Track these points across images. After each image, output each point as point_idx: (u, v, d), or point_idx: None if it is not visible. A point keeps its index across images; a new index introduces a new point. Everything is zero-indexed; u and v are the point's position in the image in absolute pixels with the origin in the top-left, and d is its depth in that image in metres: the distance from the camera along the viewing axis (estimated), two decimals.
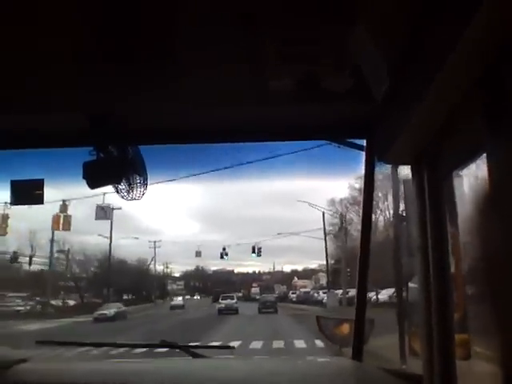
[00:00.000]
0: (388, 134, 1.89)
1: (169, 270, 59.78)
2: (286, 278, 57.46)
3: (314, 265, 53.69)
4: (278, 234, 45.28)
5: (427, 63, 1.34)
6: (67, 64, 1.83)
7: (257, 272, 63.88)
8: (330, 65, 1.66)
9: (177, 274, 62.88)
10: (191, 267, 62.92)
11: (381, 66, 1.65)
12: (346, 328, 3.35)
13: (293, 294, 50.15)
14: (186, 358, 2.87)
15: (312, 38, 1.62)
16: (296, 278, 56.78)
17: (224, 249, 44.22)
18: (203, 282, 62.18)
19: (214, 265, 60.99)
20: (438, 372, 1.82)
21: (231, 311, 31.39)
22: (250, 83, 1.92)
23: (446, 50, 1.18)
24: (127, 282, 44.73)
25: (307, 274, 55.16)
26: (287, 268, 61.11)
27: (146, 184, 2.41)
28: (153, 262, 50.01)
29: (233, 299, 35.48)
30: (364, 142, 2.43)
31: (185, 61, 1.84)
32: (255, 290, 55.44)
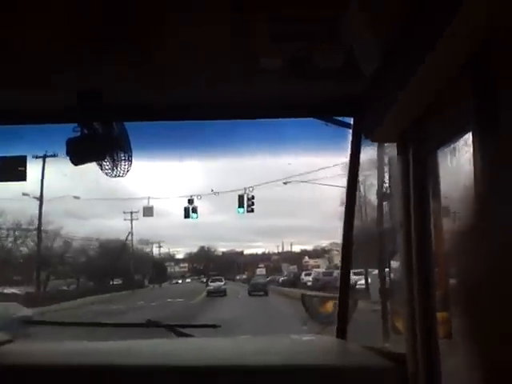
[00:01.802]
0: (375, 113, 1.90)
1: (171, 252, 56.32)
2: (296, 258, 50.56)
3: (324, 244, 47.48)
4: (285, 182, 28.50)
5: (417, 45, 1.35)
6: (53, 42, 1.80)
7: (266, 252, 58.38)
8: (322, 44, 1.65)
9: (180, 256, 59.01)
10: (196, 249, 59.05)
11: (372, 46, 1.65)
12: (330, 306, 3.38)
13: (307, 275, 35.57)
14: (172, 338, 2.88)
15: (304, 17, 1.61)
16: (307, 258, 50.01)
17: (191, 201, 26.30)
18: (209, 264, 57.42)
19: (222, 246, 58.14)
20: (420, 350, 1.85)
21: (220, 293, 31.32)
22: (240, 61, 1.91)
23: (435, 33, 1.19)
24: (118, 266, 41.02)
25: (318, 253, 49.34)
26: (296, 248, 55.18)
27: (131, 161, 2.39)
28: (130, 238, 43.29)
29: (221, 281, 35.35)
30: (351, 121, 2.43)
31: (172, 38, 1.82)
32: (261, 271, 49.23)
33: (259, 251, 59.46)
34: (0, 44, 1.76)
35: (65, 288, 35.09)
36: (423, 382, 1.86)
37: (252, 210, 23.68)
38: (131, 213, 41.71)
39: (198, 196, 26.58)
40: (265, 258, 56.68)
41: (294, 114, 2.46)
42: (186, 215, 26.73)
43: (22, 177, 2.69)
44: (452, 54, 1.22)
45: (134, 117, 2.38)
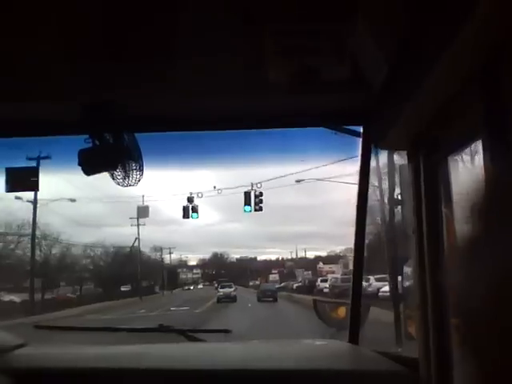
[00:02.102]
0: (385, 121, 1.90)
1: (184, 258, 55.92)
2: (310, 264, 49.54)
3: (338, 249, 46.29)
4: (298, 180, 24.41)
5: (425, 53, 1.35)
6: (63, 53, 1.82)
7: (279, 259, 57.80)
8: (329, 56, 1.66)
9: (194, 262, 58.71)
10: (209, 255, 58.99)
11: (379, 56, 1.66)
12: (342, 311, 3.37)
13: (323, 281, 33.01)
14: (183, 342, 2.89)
15: (311, 30, 1.62)
16: (321, 264, 48.20)
17: (190, 199, 22.52)
18: (222, 270, 56.86)
19: (235, 253, 57.94)
20: (433, 355, 1.85)
21: (229, 299, 31.13)
22: (248, 73, 1.92)
23: (445, 40, 1.19)
24: (126, 272, 40.59)
25: (332, 259, 47.74)
26: (310, 254, 54.59)
27: (142, 170, 2.41)
28: (136, 244, 41.84)
29: (231, 287, 34.95)
30: (361, 129, 2.44)
31: (182, 50, 1.84)
32: (274, 277, 48.07)
33: (273, 257, 58.81)
34: (12, 56, 1.79)
35: (69, 295, 34.53)
36: None
37: (260, 209, 20.11)
38: (137, 219, 39.37)
39: (198, 194, 22.78)
40: (278, 264, 55.81)
41: (304, 124, 2.47)
42: (185, 215, 22.76)
43: (34, 187, 2.72)
44: (461, 62, 1.22)
45: (144, 127, 2.40)
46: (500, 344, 0.51)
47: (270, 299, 30.27)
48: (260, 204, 20.10)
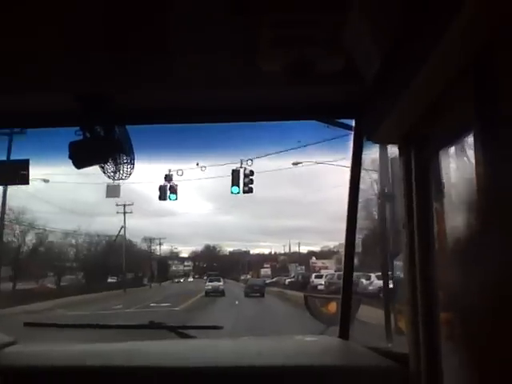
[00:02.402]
0: (377, 114, 1.90)
1: (174, 250, 54.52)
2: (303, 259, 48.12)
3: (332, 245, 44.52)
4: (295, 163, 20.81)
5: (417, 47, 1.35)
6: (55, 45, 1.81)
7: (272, 253, 56.37)
8: (322, 47, 1.66)
9: (185, 255, 57.41)
10: (201, 247, 57.64)
11: (372, 49, 1.65)
12: (333, 307, 3.38)
13: (318, 277, 31.62)
14: (174, 339, 2.89)
15: (305, 22, 1.61)
16: (314, 259, 46.59)
17: (168, 177, 17.75)
18: (214, 263, 55.17)
19: (228, 246, 57.01)
20: (423, 350, 1.86)
21: (217, 293, 31.01)
22: (241, 65, 1.91)
23: (435, 35, 1.19)
24: (112, 263, 38.83)
25: (326, 254, 46.32)
26: (304, 249, 53.44)
27: (133, 164, 2.40)
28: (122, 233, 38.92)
29: (219, 281, 34.56)
30: (353, 123, 2.44)
31: (175, 42, 1.82)
32: (266, 271, 46.67)
33: (266, 251, 57.87)
34: (3, 47, 1.77)
35: (50, 286, 32.39)
36: (425, 382, 1.86)
37: (250, 190, 16.32)
38: (124, 205, 36.65)
39: (178, 171, 17.94)
40: (271, 258, 54.72)
41: (296, 117, 2.47)
42: (162, 196, 17.99)
43: (24, 180, 2.69)
44: (453, 56, 1.22)
45: (136, 120, 2.39)
46: (489, 338, 0.51)
47: (258, 294, 30.07)
48: (250, 185, 16.22)
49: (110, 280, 39.77)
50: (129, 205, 37.41)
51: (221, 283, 34.04)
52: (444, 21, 1.12)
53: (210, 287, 32.80)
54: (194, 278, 52.61)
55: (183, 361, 2.39)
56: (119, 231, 38.93)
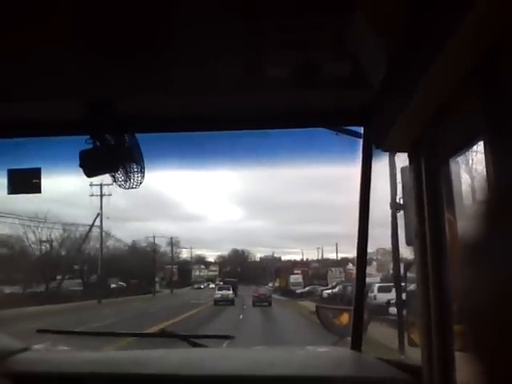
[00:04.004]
0: (385, 121, 1.88)
1: (201, 254, 52.16)
2: (337, 266, 41.49)
3: (369, 250, 42.69)
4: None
5: (424, 51, 1.33)
6: (64, 54, 1.82)
7: (304, 260, 51.72)
8: (329, 52, 1.65)
9: (212, 259, 55.37)
10: (229, 252, 55.06)
11: (379, 54, 1.64)
12: (345, 318, 3.34)
13: (382, 291, 20.00)
14: (186, 348, 2.88)
15: (311, 26, 1.61)
16: (351, 265, 34.50)
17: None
18: (239, 268, 52.26)
19: (258, 251, 54.75)
20: (436, 362, 1.82)
21: (227, 302, 30.61)
22: (248, 71, 1.91)
23: (443, 38, 1.18)
24: (126, 268, 34.93)
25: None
26: (334, 255, 48.82)
27: (143, 172, 2.40)
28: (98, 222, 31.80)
29: (229, 290, 33.84)
30: (361, 130, 2.42)
31: (182, 48, 1.83)
32: (296, 278, 38.19)
33: (297, 258, 53.77)
34: (12, 56, 1.79)
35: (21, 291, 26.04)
36: None
37: None
38: (101, 185, 28.75)
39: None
40: (303, 264, 49.39)
41: (304, 124, 2.45)
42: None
43: (36, 189, 2.70)
44: (460, 59, 1.20)
45: (146, 128, 2.40)
46: (504, 351, 0.49)
47: (265, 303, 29.38)
48: None
49: (113, 285, 34.85)
50: (108, 185, 27.30)
51: (230, 292, 33.35)
52: (451, 23, 1.11)
53: (219, 296, 32.34)
54: (216, 284, 46.72)
55: (196, 370, 2.38)
56: (94, 220, 31.28)
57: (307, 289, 33.27)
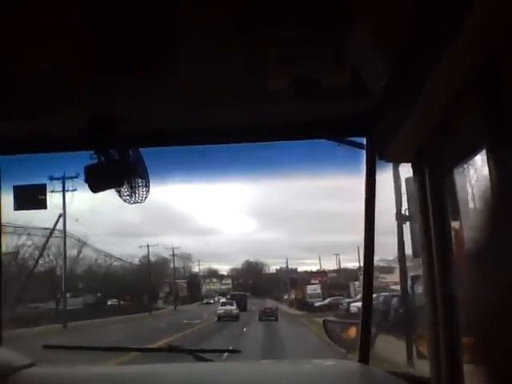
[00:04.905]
0: (387, 132, 1.88)
1: (213, 267, 50.03)
2: (354, 276, 36.35)
3: (382, 262, 37.80)
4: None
5: (424, 60, 1.33)
6: (65, 70, 1.83)
7: (321, 270, 46.68)
8: (329, 64, 1.65)
9: (224, 272, 52.87)
10: (242, 264, 52.43)
11: (378, 64, 1.65)
12: (353, 331, 3.31)
13: None
14: (192, 362, 2.86)
15: (310, 39, 1.62)
16: (380, 273, 27.70)
17: None
18: (256, 280, 49.50)
19: (272, 263, 51.97)
20: (445, 375, 1.80)
21: (231, 318, 28.91)
22: (249, 83, 1.92)
23: (442, 47, 1.18)
24: (127, 284, 33.54)
25: (384, 269, 39.61)
26: (350, 264, 45.74)
27: (149, 187, 2.40)
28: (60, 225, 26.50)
29: (232, 305, 32.18)
30: (364, 141, 2.41)
31: (183, 63, 1.84)
32: (314, 288, 33.84)
33: (313, 268, 48.10)
34: (14, 74, 1.80)
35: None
36: None
37: None
38: (63, 178, 23.21)
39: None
40: (321, 274, 44.57)
41: (305, 136, 2.45)
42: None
43: (42, 205, 2.71)
44: (459, 69, 1.20)
45: (148, 142, 2.40)
46: None
47: (272, 318, 27.62)
48: None
49: (110, 302, 33.15)
50: (73, 178, 23.66)
51: (233, 307, 31.57)
52: (450, 32, 1.11)
53: (222, 311, 30.74)
54: (227, 299, 42.71)
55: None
56: (56, 222, 26.18)
57: (328, 301, 27.00)
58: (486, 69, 1.15)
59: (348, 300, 23.59)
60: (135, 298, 35.23)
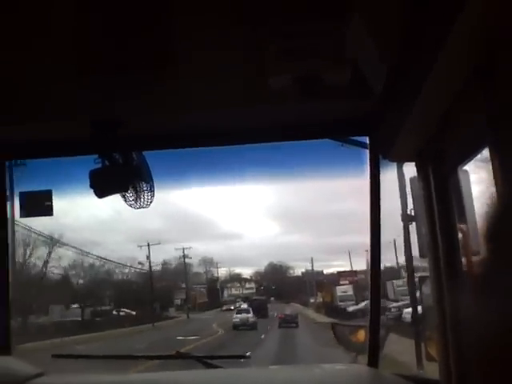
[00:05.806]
0: (390, 131, 1.87)
1: (236, 271, 47.54)
2: (387, 275, 31.67)
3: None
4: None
5: (425, 58, 1.33)
6: (69, 74, 1.84)
7: (350, 270, 46.80)
8: (330, 61, 1.65)
9: (247, 276, 49.80)
10: (265, 268, 49.51)
11: (378, 61, 1.64)
12: (361, 335, 3.29)
13: None
14: (201, 369, 2.85)
15: (311, 35, 1.61)
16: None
17: None
18: (280, 284, 47.04)
19: (297, 266, 48.36)
20: (455, 377, 1.78)
21: (247, 327, 26.81)
22: (251, 83, 1.92)
23: (440, 42, 1.17)
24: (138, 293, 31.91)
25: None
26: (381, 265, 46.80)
27: (153, 191, 2.40)
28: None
29: (248, 313, 29.98)
30: (367, 140, 2.39)
31: (184, 65, 1.84)
32: (344, 290, 30.36)
33: (341, 269, 47.41)
34: (16, 78, 1.81)
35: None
36: None
37: None
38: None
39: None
40: (351, 273, 38.81)
41: (308, 136, 2.43)
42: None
43: (48, 212, 2.71)
44: (459, 64, 1.19)
45: (150, 145, 2.40)
46: None
47: (293, 325, 25.58)
48: None
49: (122, 313, 31.50)
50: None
51: (250, 315, 29.37)
52: (448, 27, 1.10)
53: (237, 320, 28.69)
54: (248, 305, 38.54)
55: None
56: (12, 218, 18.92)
57: (364, 304, 17.67)
58: (485, 64, 1.14)
59: (396, 304, 19.08)
60: (144, 307, 32.88)
